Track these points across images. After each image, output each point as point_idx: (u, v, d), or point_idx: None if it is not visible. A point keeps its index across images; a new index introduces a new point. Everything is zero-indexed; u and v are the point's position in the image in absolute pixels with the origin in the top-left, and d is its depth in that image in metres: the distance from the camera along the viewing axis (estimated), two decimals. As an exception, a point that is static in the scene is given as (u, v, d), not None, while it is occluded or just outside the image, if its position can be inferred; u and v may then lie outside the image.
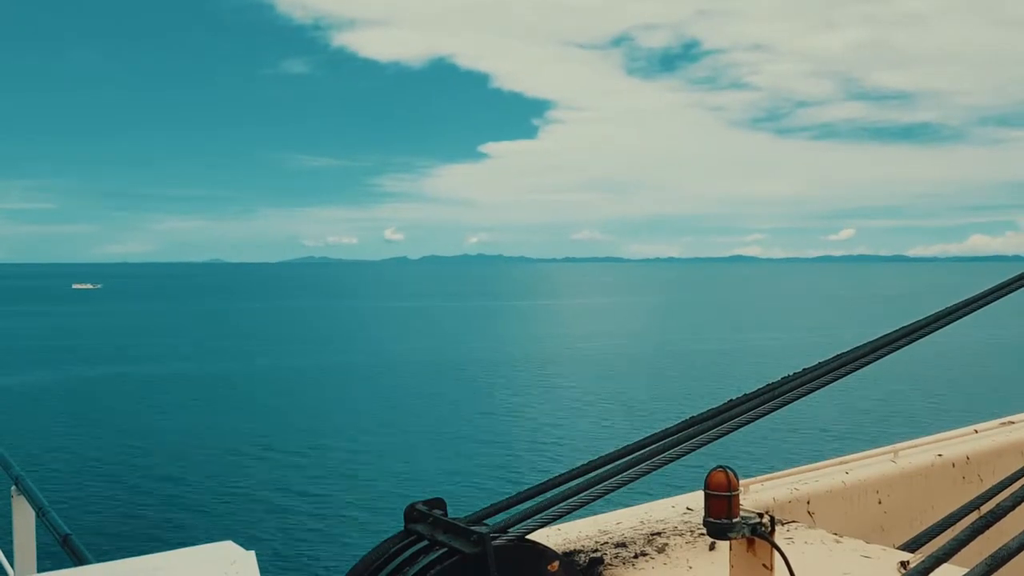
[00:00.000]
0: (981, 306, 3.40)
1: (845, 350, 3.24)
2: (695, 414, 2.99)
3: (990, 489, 3.64)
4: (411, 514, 2.63)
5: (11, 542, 3.96)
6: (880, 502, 3.91)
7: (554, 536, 3.05)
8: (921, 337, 3.25)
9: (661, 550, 3.04)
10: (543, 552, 2.55)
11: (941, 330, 3.29)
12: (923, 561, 2.33)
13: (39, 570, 3.73)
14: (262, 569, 2.16)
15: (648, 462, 2.71)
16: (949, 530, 3.32)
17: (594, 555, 2.96)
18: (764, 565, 2.47)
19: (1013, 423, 4.96)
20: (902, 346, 3.20)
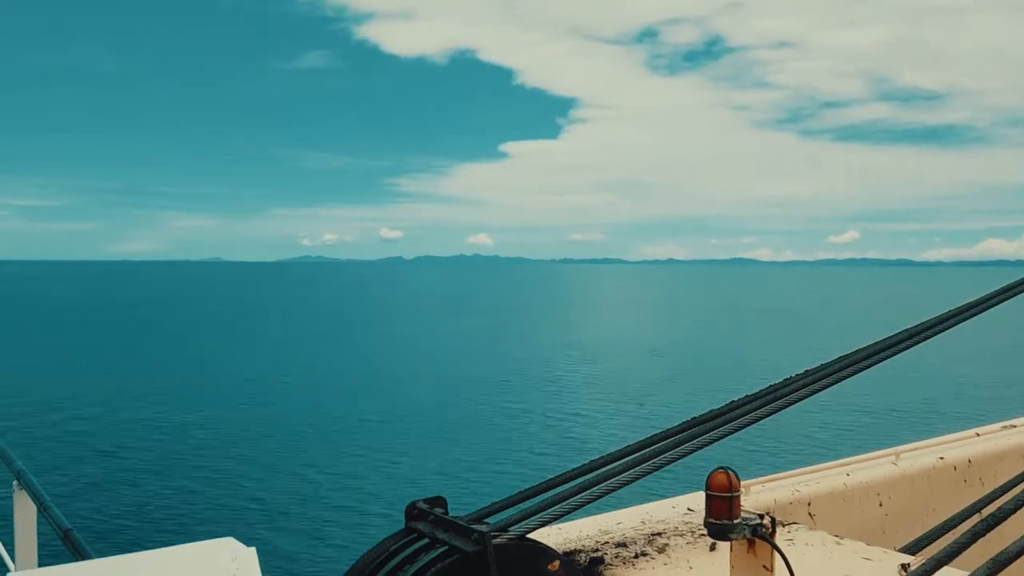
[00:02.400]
0: (985, 309, 3.40)
1: (847, 352, 3.24)
2: (697, 415, 2.99)
3: (991, 492, 3.64)
4: (412, 512, 2.63)
5: (12, 537, 3.97)
6: (881, 504, 3.91)
7: (555, 535, 3.05)
8: (924, 340, 3.25)
9: (662, 550, 3.04)
10: (544, 551, 2.55)
11: (944, 333, 3.29)
12: (924, 564, 2.33)
13: (40, 565, 3.74)
14: (262, 565, 2.16)
15: (649, 462, 2.72)
16: (950, 533, 3.32)
17: (594, 555, 2.96)
18: (764, 566, 2.47)
19: (1015, 427, 4.96)
20: (905, 349, 3.20)
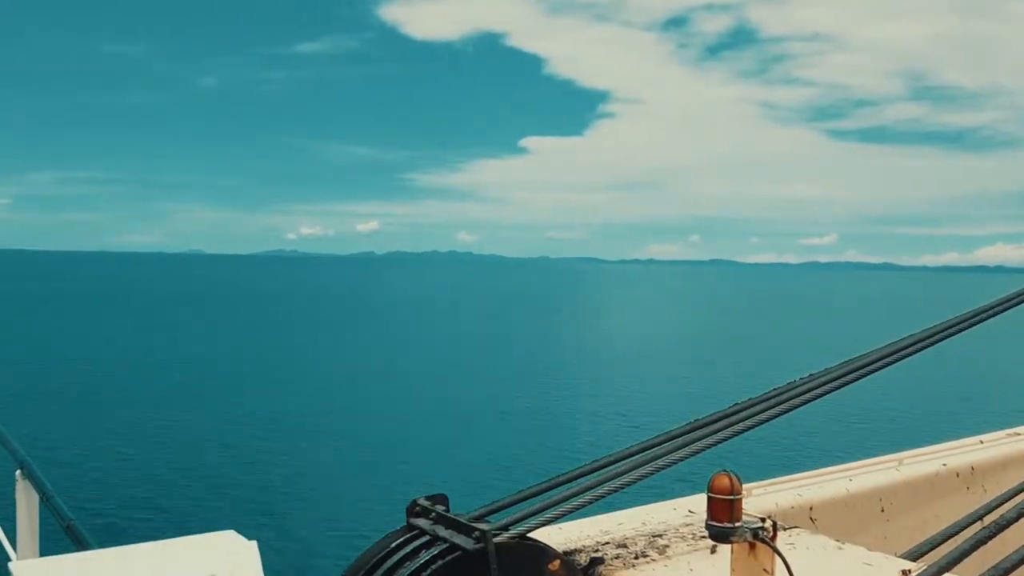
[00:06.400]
0: (990, 316, 3.40)
1: (851, 357, 3.24)
2: (700, 417, 2.99)
3: (994, 500, 3.62)
4: (413, 509, 2.64)
5: (14, 526, 3.98)
6: (883, 510, 3.90)
7: (555, 535, 3.05)
8: (929, 346, 3.24)
9: (662, 552, 3.04)
10: (544, 550, 2.55)
11: (949, 339, 3.28)
12: (925, 570, 2.33)
13: (42, 555, 3.75)
14: (263, 559, 2.17)
15: (651, 464, 2.72)
16: (952, 540, 3.32)
17: (595, 555, 2.96)
18: (765, 570, 2.47)
19: (1019, 434, 4.94)
20: (909, 355, 3.20)
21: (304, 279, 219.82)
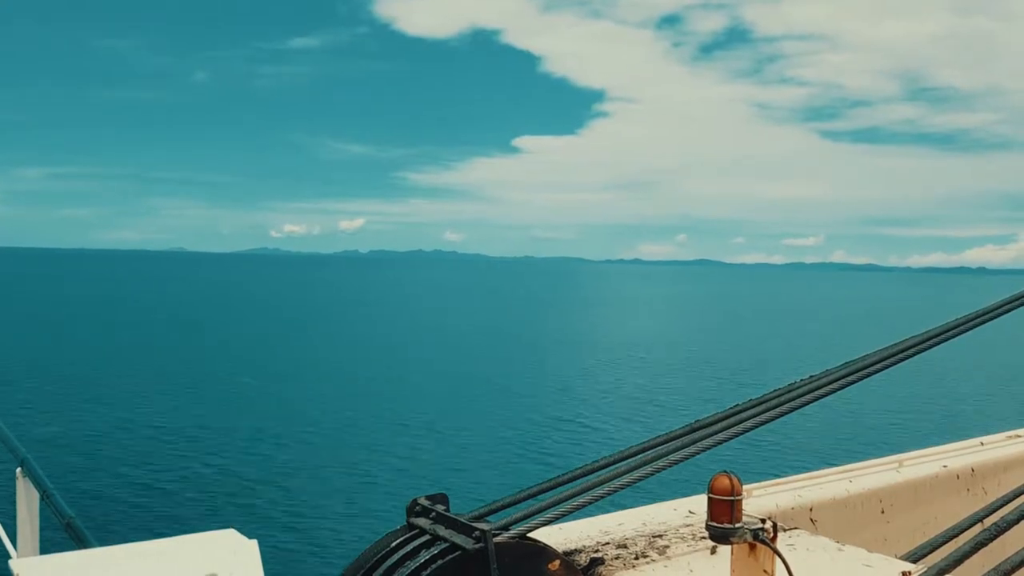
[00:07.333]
0: (991, 318, 3.40)
1: (852, 358, 3.24)
2: (701, 418, 2.99)
3: (994, 502, 3.62)
4: (413, 508, 2.64)
5: (15, 524, 3.99)
6: (883, 512, 3.90)
7: (555, 535, 3.05)
8: (930, 348, 3.24)
9: (662, 552, 3.04)
10: (544, 550, 2.55)
11: (950, 341, 3.29)
12: (925, 572, 2.33)
13: (42, 552, 3.75)
14: (264, 558, 2.17)
15: (652, 464, 2.72)
16: (952, 542, 3.32)
17: (595, 555, 2.96)
18: (765, 571, 2.47)
19: (1019, 436, 4.94)
20: (910, 356, 3.20)
21: (288, 278, 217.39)
